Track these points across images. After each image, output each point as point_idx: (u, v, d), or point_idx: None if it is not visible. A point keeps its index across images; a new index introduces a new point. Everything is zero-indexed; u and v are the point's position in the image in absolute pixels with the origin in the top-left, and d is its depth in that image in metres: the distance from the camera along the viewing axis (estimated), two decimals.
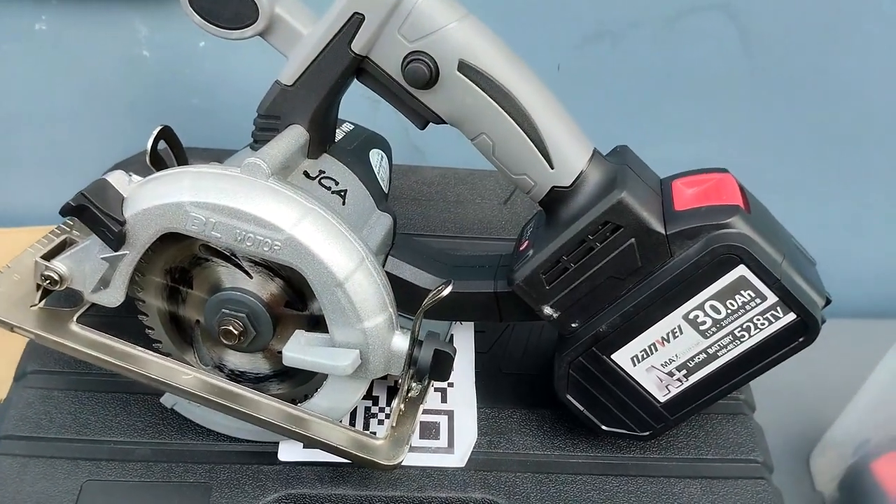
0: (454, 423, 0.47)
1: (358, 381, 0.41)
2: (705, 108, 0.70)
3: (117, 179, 0.40)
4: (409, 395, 0.42)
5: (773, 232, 0.41)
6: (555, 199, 0.42)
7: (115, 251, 0.39)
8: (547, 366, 0.47)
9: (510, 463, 0.45)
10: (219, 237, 0.38)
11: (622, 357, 0.42)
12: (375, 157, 0.49)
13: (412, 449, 0.44)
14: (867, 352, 0.59)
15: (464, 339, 0.51)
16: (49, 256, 0.41)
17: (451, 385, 0.49)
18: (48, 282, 0.41)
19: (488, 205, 0.62)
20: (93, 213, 0.38)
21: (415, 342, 0.40)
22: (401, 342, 0.40)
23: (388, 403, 0.47)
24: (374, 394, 0.48)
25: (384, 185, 0.49)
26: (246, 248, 0.38)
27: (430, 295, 0.40)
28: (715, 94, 0.69)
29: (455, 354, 0.41)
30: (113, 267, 0.40)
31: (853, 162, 0.74)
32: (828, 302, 0.41)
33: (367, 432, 0.42)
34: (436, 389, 0.48)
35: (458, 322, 0.51)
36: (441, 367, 0.40)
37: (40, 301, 0.42)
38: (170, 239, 0.39)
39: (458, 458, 0.45)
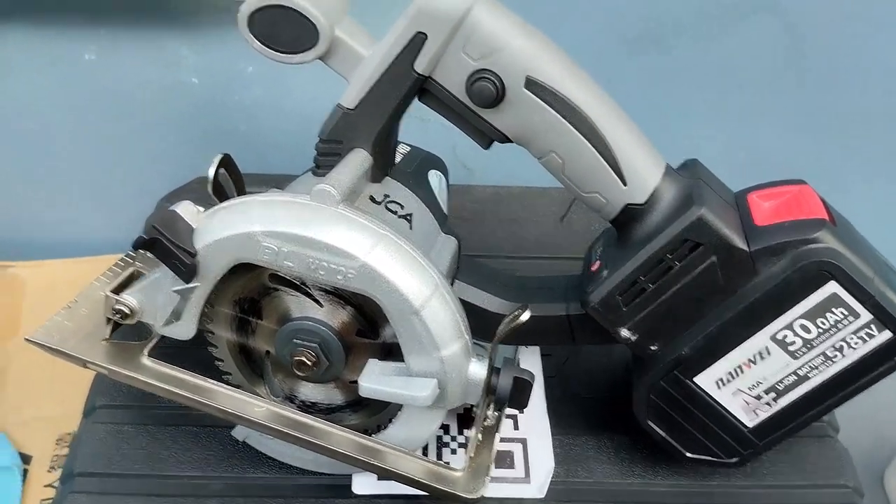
0: (528, 451, 0.45)
1: (435, 411, 0.40)
2: (762, 104, 0.68)
3: (186, 210, 0.39)
4: (486, 423, 0.41)
5: (861, 246, 0.40)
6: (628, 217, 0.41)
7: (187, 283, 0.38)
8: (618, 388, 0.45)
9: (590, 492, 0.44)
10: (291, 266, 0.37)
11: (706, 380, 0.41)
12: (434, 178, 0.48)
13: None
14: None
15: (531, 364, 0.49)
16: (118, 290, 0.41)
17: (521, 411, 0.47)
18: (119, 315, 0.40)
19: (544, 222, 0.61)
20: (165, 246, 0.37)
21: (492, 369, 0.39)
22: (478, 370, 0.39)
23: (460, 432, 0.46)
24: (444, 422, 0.46)
25: (444, 207, 0.48)
26: (318, 276, 0.37)
27: (506, 321, 0.39)
28: (769, 91, 0.67)
29: (533, 381, 0.39)
30: (185, 299, 0.39)
31: None
32: None
33: (445, 463, 0.41)
34: (506, 416, 0.47)
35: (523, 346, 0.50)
36: (520, 394, 0.39)
37: (111, 335, 0.42)
38: (239, 269, 0.39)
39: (536, 489, 0.44)
